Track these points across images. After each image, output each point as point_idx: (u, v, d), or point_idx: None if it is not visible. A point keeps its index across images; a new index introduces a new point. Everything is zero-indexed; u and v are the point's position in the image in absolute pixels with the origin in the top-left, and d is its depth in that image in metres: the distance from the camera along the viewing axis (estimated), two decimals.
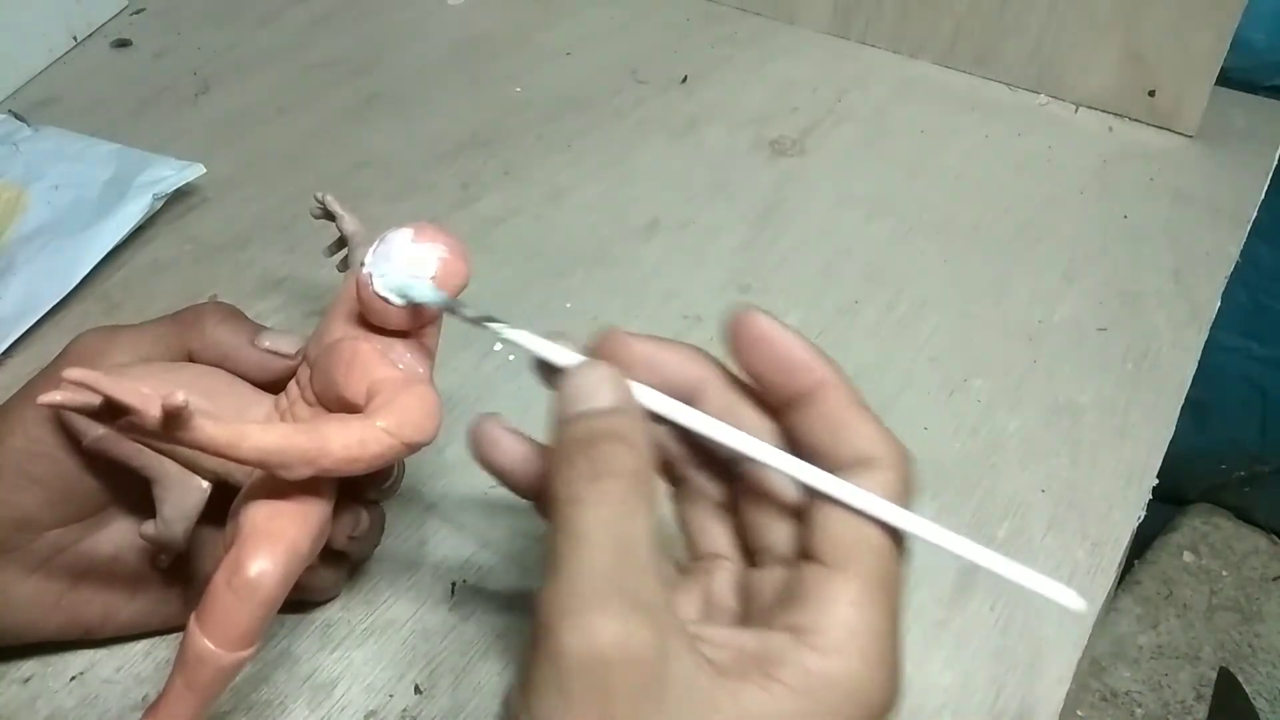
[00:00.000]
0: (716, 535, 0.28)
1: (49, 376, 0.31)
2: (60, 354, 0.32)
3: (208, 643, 0.26)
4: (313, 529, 0.29)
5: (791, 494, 0.26)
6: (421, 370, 0.30)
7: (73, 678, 0.35)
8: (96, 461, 0.31)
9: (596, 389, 0.25)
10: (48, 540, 0.31)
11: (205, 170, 0.52)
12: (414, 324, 0.30)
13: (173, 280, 0.49)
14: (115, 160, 0.52)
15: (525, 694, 0.22)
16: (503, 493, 0.41)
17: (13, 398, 0.32)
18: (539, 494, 0.28)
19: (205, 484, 0.31)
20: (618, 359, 0.26)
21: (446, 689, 0.35)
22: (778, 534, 0.26)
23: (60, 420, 0.30)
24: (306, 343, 0.32)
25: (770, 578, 0.25)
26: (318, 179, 0.54)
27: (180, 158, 0.52)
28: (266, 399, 0.32)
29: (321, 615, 0.36)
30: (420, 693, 0.35)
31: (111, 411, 0.23)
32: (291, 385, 0.32)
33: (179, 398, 0.23)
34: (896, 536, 0.24)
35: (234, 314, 0.33)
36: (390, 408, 0.28)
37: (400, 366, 0.30)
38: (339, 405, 0.30)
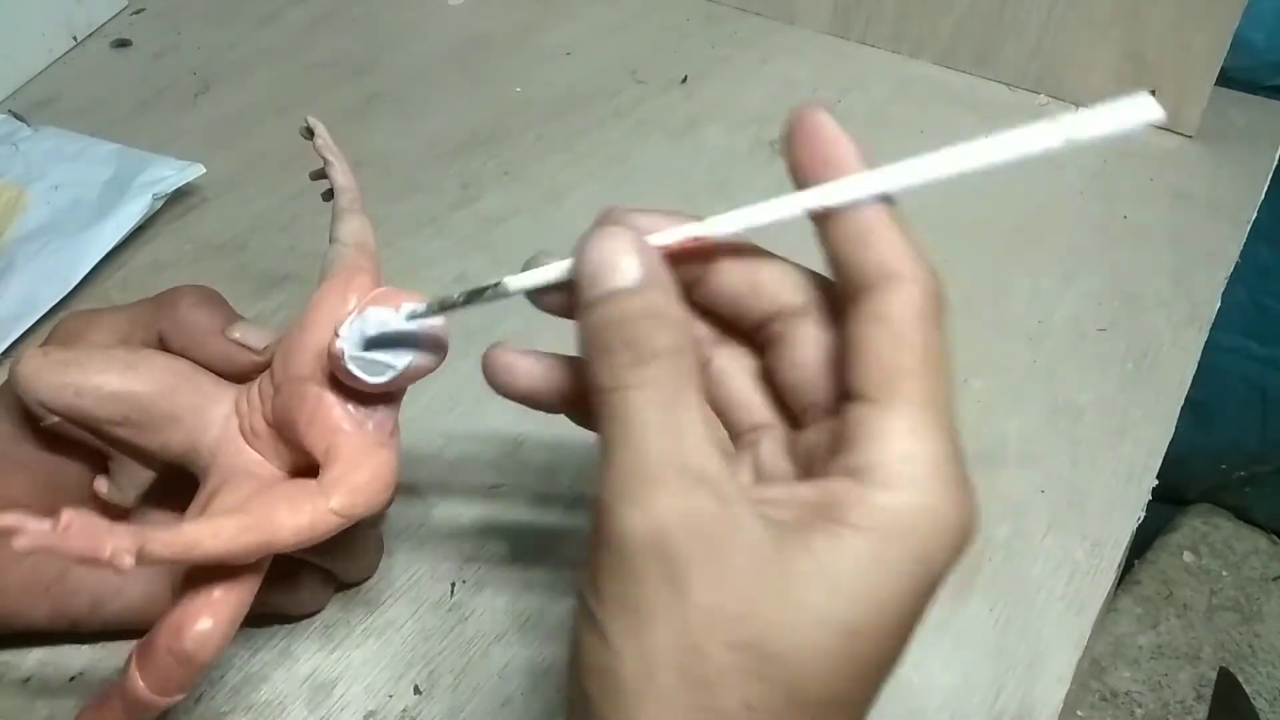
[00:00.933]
0: (755, 407, 0.27)
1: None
2: (49, 335, 0.32)
3: (145, 690, 0.27)
4: (253, 590, 0.29)
5: (826, 341, 0.24)
6: (389, 425, 0.29)
7: (72, 678, 0.35)
8: (81, 448, 0.31)
9: (619, 262, 0.23)
10: None
11: (205, 170, 0.52)
12: (383, 393, 0.29)
13: (173, 280, 0.48)
14: (115, 160, 0.52)
15: (594, 584, 0.21)
16: (503, 493, 0.41)
17: (1, 385, 0.32)
18: (572, 402, 0.28)
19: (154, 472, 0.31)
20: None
21: (446, 689, 0.35)
22: (818, 387, 0.24)
23: (17, 402, 0.30)
24: (277, 342, 0.31)
25: (819, 432, 0.24)
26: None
27: (180, 158, 0.52)
28: (228, 395, 0.31)
29: (321, 615, 0.36)
30: (420, 693, 0.35)
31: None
32: (254, 390, 0.31)
33: (126, 562, 0.23)
34: (938, 354, 0.22)
35: (210, 299, 0.33)
36: (344, 483, 0.27)
37: (369, 426, 0.29)
38: (295, 447, 0.29)
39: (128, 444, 0.30)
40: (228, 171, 0.54)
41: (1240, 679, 0.87)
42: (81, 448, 0.31)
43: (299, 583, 0.34)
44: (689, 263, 0.25)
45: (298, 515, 0.27)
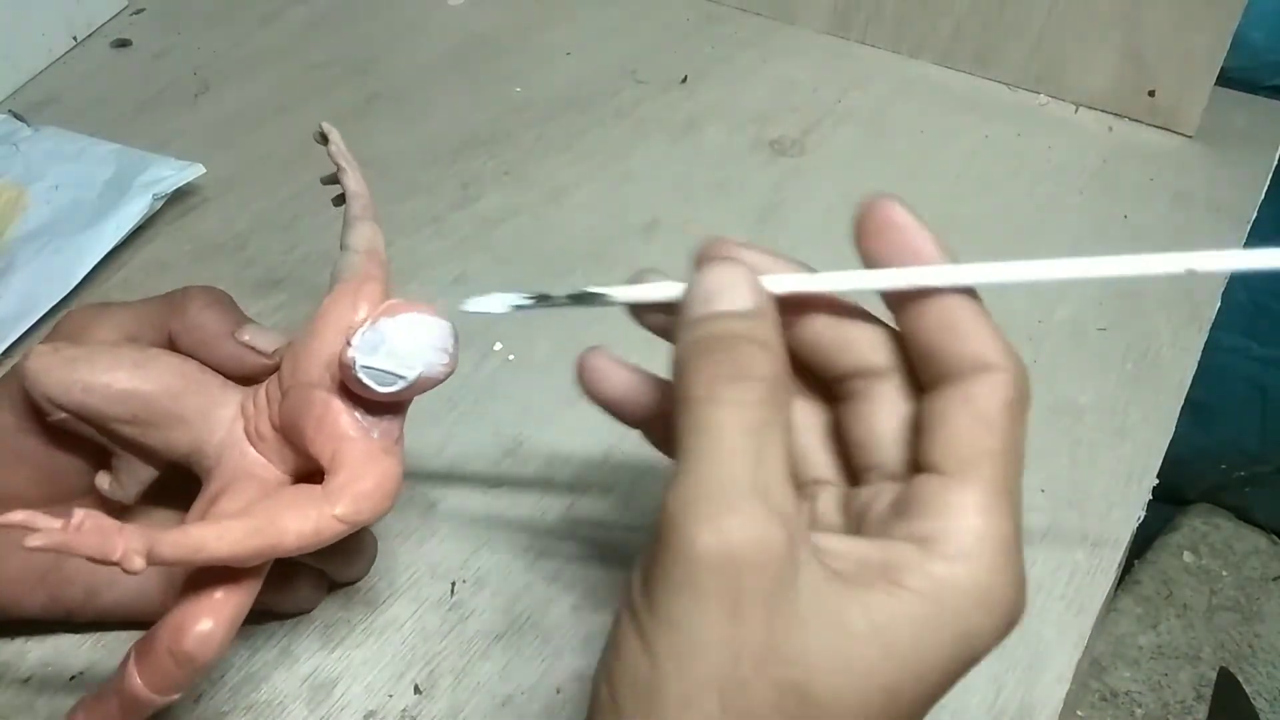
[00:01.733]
0: (818, 461, 0.27)
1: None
2: (54, 328, 0.32)
3: (143, 687, 0.27)
4: (254, 592, 0.29)
5: (903, 408, 0.25)
6: (395, 433, 0.30)
7: (72, 678, 0.35)
8: (82, 443, 0.31)
9: (733, 289, 0.24)
10: None
11: (205, 170, 0.52)
12: (391, 402, 0.29)
13: (173, 280, 0.48)
14: (115, 160, 0.52)
15: (650, 593, 0.21)
16: (503, 492, 0.41)
17: (3, 376, 0.32)
18: (651, 421, 0.28)
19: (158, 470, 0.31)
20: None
21: (446, 689, 0.35)
22: (886, 450, 0.25)
23: (24, 396, 0.30)
24: (286, 346, 0.31)
25: (881, 493, 0.25)
26: (318, 179, 0.54)
27: (180, 158, 0.52)
28: (234, 397, 0.31)
29: (321, 615, 0.36)
30: (420, 693, 0.35)
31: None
32: (261, 392, 0.31)
33: (138, 562, 0.24)
34: (1017, 443, 0.23)
35: (220, 300, 0.33)
36: (349, 490, 0.28)
37: (374, 434, 0.29)
38: (301, 452, 0.29)
39: (133, 442, 0.30)
40: (228, 171, 0.54)
41: (1240, 679, 0.88)
42: (84, 443, 0.31)
43: (295, 583, 0.34)
44: (788, 308, 0.26)
45: (303, 521, 0.27)
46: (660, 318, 0.27)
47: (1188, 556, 0.97)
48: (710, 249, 0.26)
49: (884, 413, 0.25)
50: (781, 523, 0.21)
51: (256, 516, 0.27)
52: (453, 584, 0.38)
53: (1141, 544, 0.98)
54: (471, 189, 0.54)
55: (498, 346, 0.45)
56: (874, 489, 0.25)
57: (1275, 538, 0.98)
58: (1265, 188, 0.54)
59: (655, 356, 0.27)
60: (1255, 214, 0.53)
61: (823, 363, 0.26)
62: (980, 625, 0.22)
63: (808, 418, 0.28)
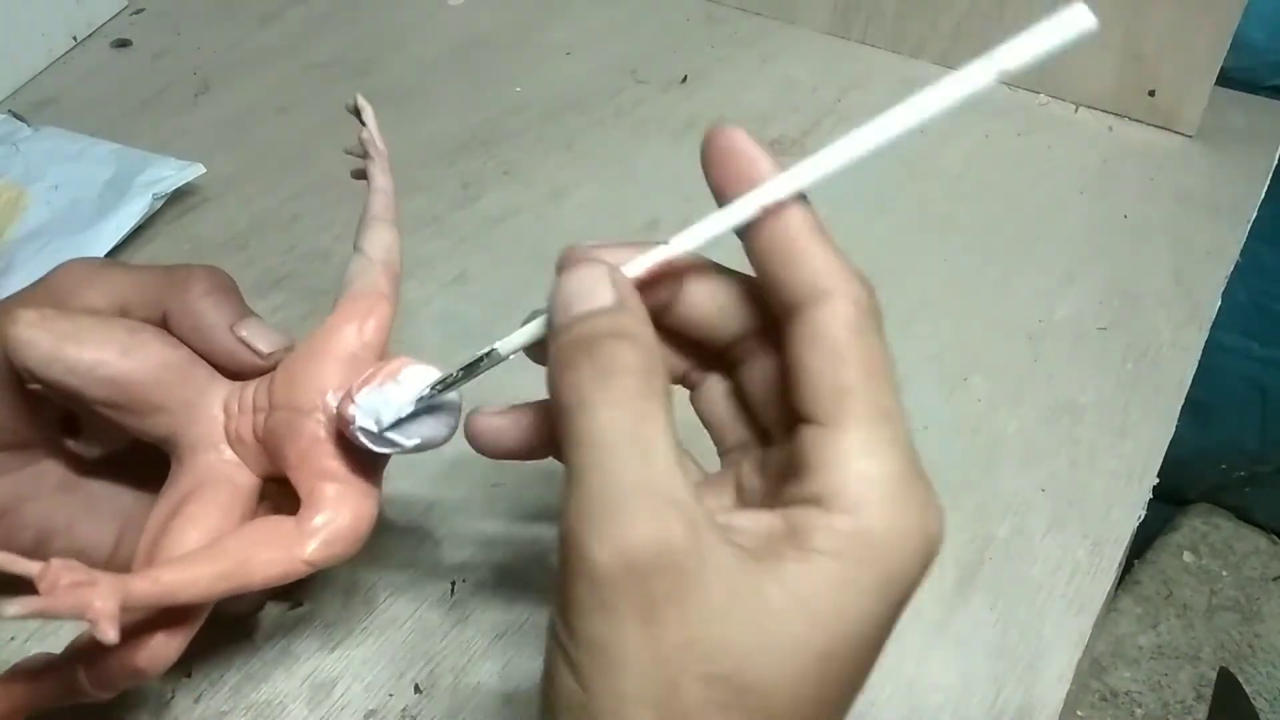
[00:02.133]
0: (736, 426, 0.27)
1: (22, 301, 0.30)
2: (41, 280, 0.31)
3: (84, 679, 0.27)
4: (208, 610, 0.29)
5: (777, 360, 0.24)
6: (377, 477, 0.29)
7: None
8: (36, 399, 0.30)
9: (593, 288, 0.23)
10: None
11: (205, 170, 0.52)
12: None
13: None
14: (115, 160, 0.52)
15: (565, 618, 0.21)
16: (503, 492, 0.41)
17: None
18: (552, 444, 0.27)
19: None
20: None
21: (446, 688, 0.35)
22: (778, 407, 0.24)
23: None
24: (283, 348, 0.31)
25: (784, 451, 0.24)
26: (318, 179, 0.54)
27: (180, 158, 0.52)
28: (220, 391, 0.30)
29: (321, 615, 0.36)
30: (420, 692, 0.35)
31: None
32: (249, 394, 0.30)
33: (111, 632, 0.23)
34: (878, 366, 0.22)
35: (224, 287, 0.31)
36: (323, 533, 0.28)
37: (357, 475, 0.29)
38: (280, 470, 0.29)
39: (110, 421, 0.30)
40: (228, 171, 0.54)
41: (1240, 679, 0.87)
42: (50, 400, 0.30)
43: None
44: (660, 287, 0.25)
45: (271, 566, 0.27)
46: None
47: (1188, 556, 0.97)
48: (568, 256, 0.25)
49: (768, 370, 0.25)
50: (678, 515, 0.20)
51: (226, 558, 0.26)
52: (453, 584, 0.38)
53: (1141, 544, 0.98)
54: (471, 189, 0.54)
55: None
56: (781, 448, 0.24)
57: (1275, 538, 0.98)
58: (1265, 188, 0.54)
59: None
60: (1255, 214, 0.53)
61: (709, 333, 0.26)
62: (897, 566, 0.21)
63: (715, 388, 0.27)
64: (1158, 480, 0.41)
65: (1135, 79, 0.56)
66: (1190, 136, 0.56)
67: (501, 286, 0.48)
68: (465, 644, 0.36)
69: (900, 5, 0.61)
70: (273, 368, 0.30)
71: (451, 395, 0.28)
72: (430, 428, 0.28)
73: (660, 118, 0.58)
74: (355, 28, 0.65)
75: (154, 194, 0.50)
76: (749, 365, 0.26)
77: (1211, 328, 0.47)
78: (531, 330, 0.26)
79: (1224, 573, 0.96)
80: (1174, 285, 0.49)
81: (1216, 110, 0.56)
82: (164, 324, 0.31)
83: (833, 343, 0.22)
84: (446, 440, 0.29)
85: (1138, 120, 0.57)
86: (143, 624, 0.27)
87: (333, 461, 0.28)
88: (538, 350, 0.26)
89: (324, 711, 0.34)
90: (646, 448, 0.21)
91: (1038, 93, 0.59)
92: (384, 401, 0.27)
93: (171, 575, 0.25)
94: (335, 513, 0.28)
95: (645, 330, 0.23)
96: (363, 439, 0.27)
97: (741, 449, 0.27)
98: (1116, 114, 0.58)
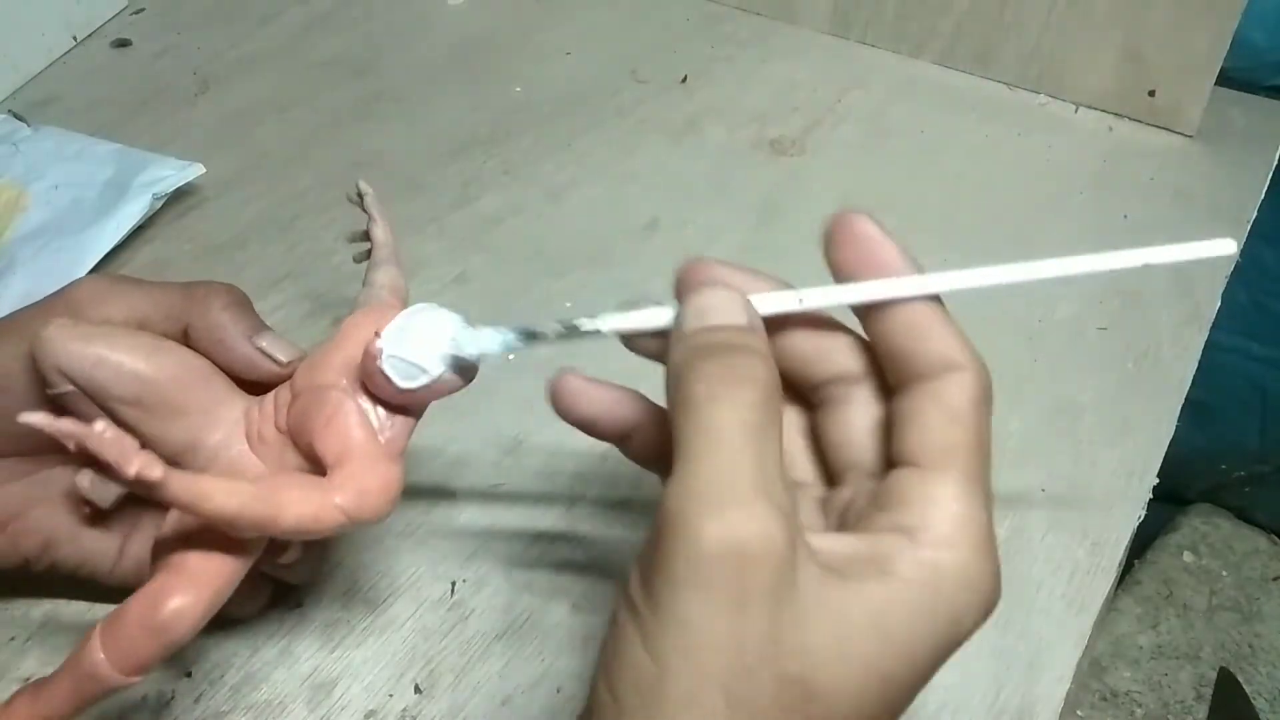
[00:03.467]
0: (798, 464, 0.28)
1: (40, 312, 0.31)
2: (57, 294, 0.32)
3: (105, 663, 0.27)
4: (237, 574, 0.28)
5: (876, 410, 0.26)
6: (402, 442, 0.30)
7: None
8: (55, 408, 0.30)
9: (730, 307, 0.25)
10: (1, 467, 0.32)
11: (205, 170, 0.52)
12: (407, 405, 0.30)
13: (172, 280, 0.49)
14: (115, 160, 0.52)
15: (652, 591, 0.21)
16: (503, 492, 0.41)
17: None
18: (626, 438, 0.29)
19: None
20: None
21: (446, 689, 0.35)
22: (863, 449, 0.26)
23: (30, 363, 0.30)
24: (300, 358, 0.32)
25: (859, 490, 0.25)
26: (318, 179, 0.54)
27: (180, 158, 0.52)
28: (240, 403, 0.31)
29: (321, 615, 0.37)
30: (420, 692, 0.35)
31: (89, 457, 0.24)
32: (268, 400, 0.31)
33: (156, 473, 0.24)
34: (985, 438, 0.24)
35: (242, 302, 0.33)
36: (353, 485, 0.28)
37: (382, 437, 0.29)
38: (307, 450, 0.29)
39: (130, 428, 0.30)
40: (228, 171, 0.54)
41: (1240, 679, 0.88)
42: (62, 411, 0.30)
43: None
44: (771, 324, 0.27)
45: (304, 503, 0.27)
46: (652, 343, 0.28)
47: (1188, 556, 0.97)
48: (692, 271, 0.27)
49: (859, 415, 0.26)
50: (783, 519, 0.21)
51: (261, 487, 0.27)
52: (453, 584, 0.38)
53: (1141, 544, 0.98)
54: (471, 189, 0.54)
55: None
56: (853, 488, 0.26)
57: (1275, 538, 0.98)
58: (1265, 188, 0.55)
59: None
60: (1255, 214, 0.53)
61: (800, 372, 0.27)
62: (967, 607, 0.23)
63: (788, 423, 0.28)
64: (1158, 480, 0.41)
65: (1135, 79, 0.56)
66: (1190, 136, 0.56)
67: (501, 286, 0.48)
68: (465, 644, 0.36)
69: (900, 5, 0.61)
70: (290, 375, 0.31)
71: (472, 352, 0.29)
72: (451, 356, 0.29)
73: (660, 118, 0.58)
74: (355, 28, 0.65)
75: (154, 194, 0.50)
76: (838, 407, 0.27)
77: (1211, 328, 0.47)
78: (643, 319, 0.27)
79: (1224, 573, 0.96)
80: (1174, 285, 0.49)
81: (1216, 110, 0.56)
82: (183, 338, 0.32)
83: (955, 405, 0.24)
84: (462, 386, 0.29)
85: (1138, 120, 0.57)
86: (166, 580, 0.27)
87: (358, 424, 0.29)
88: (636, 340, 0.28)
89: (324, 711, 0.34)
90: (764, 452, 0.22)
91: (1038, 93, 0.59)
92: (409, 327, 0.29)
93: (210, 480, 0.26)
94: (363, 469, 0.28)
95: (769, 355, 0.25)
96: (389, 370, 0.28)
97: (798, 487, 0.28)
98: (1116, 114, 0.58)
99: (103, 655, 0.27)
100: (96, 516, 0.33)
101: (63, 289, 0.32)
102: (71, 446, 0.23)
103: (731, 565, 0.21)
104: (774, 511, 0.21)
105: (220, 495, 0.25)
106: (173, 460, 0.31)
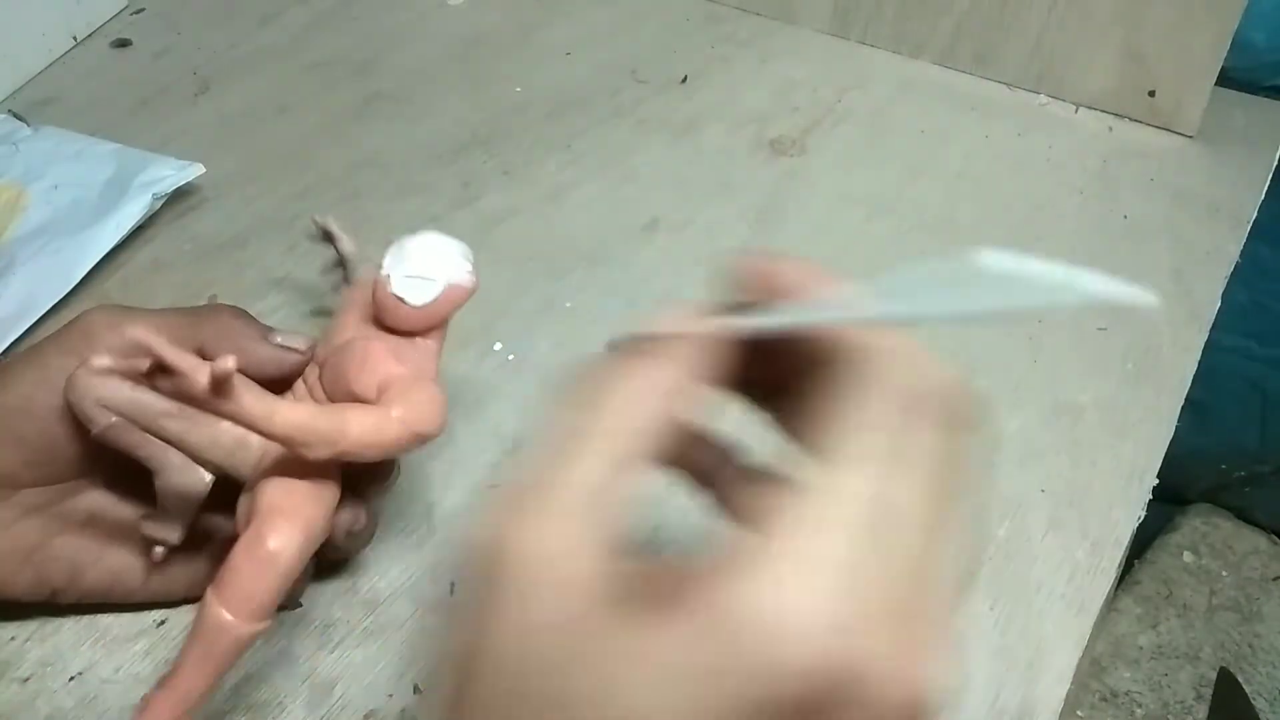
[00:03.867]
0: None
1: (56, 342, 0.32)
2: (68, 325, 0.32)
3: (226, 614, 0.28)
4: (326, 509, 0.30)
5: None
6: (430, 368, 0.32)
7: (72, 678, 0.35)
8: (82, 431, 0.31)
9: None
10: (23, 498, 0.32)
11: (205, 170, 0.52)
12: (426, 325, 0.32)
13: (172, 280, 0.49)
14: (115, 160, 0.52)
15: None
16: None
17: (13, 358, 0.32)
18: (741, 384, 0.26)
19: (208, 476, 0.31)
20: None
21: None
22: None
23: (51, 386, 0.31)
24: (315, 344, 0.33)
25: None
26: (318, 179, 0.54)
27: (180, 158, 0.52)
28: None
29: (321, 615, 0.36)
30: (420, 692, 0.35)
31: (161, 373, 0.25)
32: (299, 386, 0.33)
33: (230, 363, 0.25)
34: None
35: (245, 314, 0.34)
36: (403, 401, 0.30)
37: (412, 364, 0.31)
38: (349, 400, 0.31)
39: (177, 441, 0.30)
40: (228, 171, 0.54)
41: (1240, 679, 0.88)
42: (81, 430, 0.31)
43: None
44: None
45: (365, 415, 0.29)
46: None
47: (1188, 556, 0.97)
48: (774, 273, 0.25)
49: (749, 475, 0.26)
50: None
51: (325, 408, 0.29)
52: (452, 584, 0.38)
53: (1141, 544, 0.98)
54: (471, 188, 0.54)
55: (497, 346, 0.45)
56: None
57: (1275, 538, 0.98)
58: (1265, 188, 0.55)
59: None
60: (1255, 214, 0.53)
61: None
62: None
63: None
64: (1158, 480, 0.41)
65: (1135, 79, 0.56)
66: (1190, 137, 0.56)
67: (501, 286, 0.48)
68: None
69: (900, 5, 0.61)
70: (307, 364, 0.33)
71: (462, 244, 0.33)
72: (451, 263, 0.32)
73: (660, 118, 0.58)
74: (355, 28, 0.65)
75: (154, 194, 0.50)
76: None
77: (1211, 328, 0.47)
78: (783, 319, 0.24)
79: (1224, 573, 0.96)
80: (1174, 285, 0.49)
81: (1216, 110, 0.56)
82: (200, 357, 0.32)
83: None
84: (470, 286, 0.33)
85: (1138, 120, 0.57)
86: (263, 520, 0.29)
87: (389, 355, 0.31)
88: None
89: (324, 712, 0.34)
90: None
91: (1038, 93, 0.59)
92: (404, 251, 0.32)
93: (276, 399, 0.28)
94: (409, 389, 0.30)
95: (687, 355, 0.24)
96: (399, 291, 0.31)
97: None
98: (1116, 114, 0.58)
99: (224, 611, 0.28)
100: (167, 557, 0.33)
101: (74, 320, 0.32)
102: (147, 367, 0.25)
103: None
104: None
105: (286, 409, 0.27)
106: (223, 462, 0.31)
